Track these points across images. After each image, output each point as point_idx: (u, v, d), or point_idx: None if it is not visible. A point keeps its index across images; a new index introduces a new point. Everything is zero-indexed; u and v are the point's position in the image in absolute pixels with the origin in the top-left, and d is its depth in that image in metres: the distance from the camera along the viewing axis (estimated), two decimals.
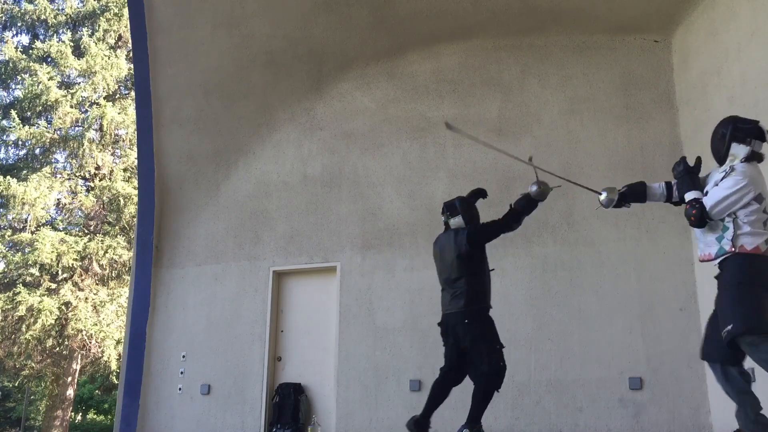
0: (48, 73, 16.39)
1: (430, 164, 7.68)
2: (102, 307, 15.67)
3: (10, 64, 16.80)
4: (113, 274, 16.12)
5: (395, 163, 7.82)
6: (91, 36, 16.88)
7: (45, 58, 16.95)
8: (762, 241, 3.39)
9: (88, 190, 17.07)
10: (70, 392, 16.76)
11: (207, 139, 8.40)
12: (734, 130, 3.60)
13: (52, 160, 17.10)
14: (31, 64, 16.57)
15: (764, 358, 3.24)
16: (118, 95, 17.35)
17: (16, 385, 19.89)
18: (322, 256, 7.77)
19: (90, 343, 15.62)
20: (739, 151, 3.57)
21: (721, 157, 3.66)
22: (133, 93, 14.60)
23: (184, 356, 8.01)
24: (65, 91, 16.56)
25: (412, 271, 7.42)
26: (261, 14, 7.67)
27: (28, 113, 16.55)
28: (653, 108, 7.16)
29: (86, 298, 15.64)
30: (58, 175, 16.88)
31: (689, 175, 3.68)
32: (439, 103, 7.82)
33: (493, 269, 4.63)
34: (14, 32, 17.51)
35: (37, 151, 16.76)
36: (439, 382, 4.58)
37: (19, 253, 15.87)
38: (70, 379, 16.57)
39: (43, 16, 17.08)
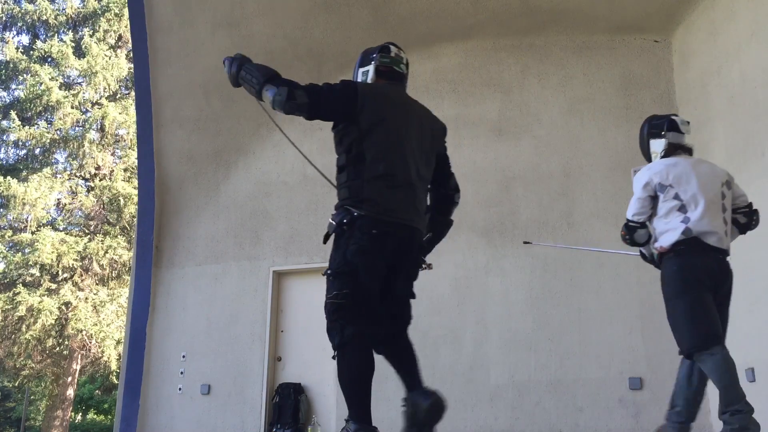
0: (49, 73, 16.40)
1: None
2: (102, 307, 15.67)
3: (11, 65, 16.81)
4: (113, 274, 16.12)
5: None
6: (92, 36, 16.89)
7: (46, 58, 16.96)
8: (678, 233, 3.32)
9: (88, 191, 17.07)
10: (70, 392, 16.76)
11: (207, 139, 8.40)
12: (650, 128, 3.65)
13: (53, 161, 17.11)
14: (32, 64, 16.58)
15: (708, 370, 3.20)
16: (119, 95, 17.36)
17: (16, 385, 19.89)
18: (322, 256, 7.74)
19: (90, 343, 15.63)
20: (657, 146, 3.59)
21: (648, 157, 3.67)
22: (133, 93, 14.60)
23: (184, 356, 8.01)
24: (66, 91, 16.57)
25: None
26: (261, 14, 7.67)
27: (29, 113, 16.57)
28: (653, 108, 7.14)
29: (86, 298, 15.65)
30: (59, 176, 16.88)
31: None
32: (439, 103, 7.80)
33: None
34: (15, 32, 17.53)
35: (38, 151, 16.76)
36: None
37: (20, 253, 15.87)
38: (70, 379, 16.57)
39: (43, 17, 17.08)
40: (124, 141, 17.14)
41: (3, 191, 15.50)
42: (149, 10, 7.76)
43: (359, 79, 3.10)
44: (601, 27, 7.33)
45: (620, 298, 6.72)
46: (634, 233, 3.50)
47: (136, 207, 9.52)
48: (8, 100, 17.21)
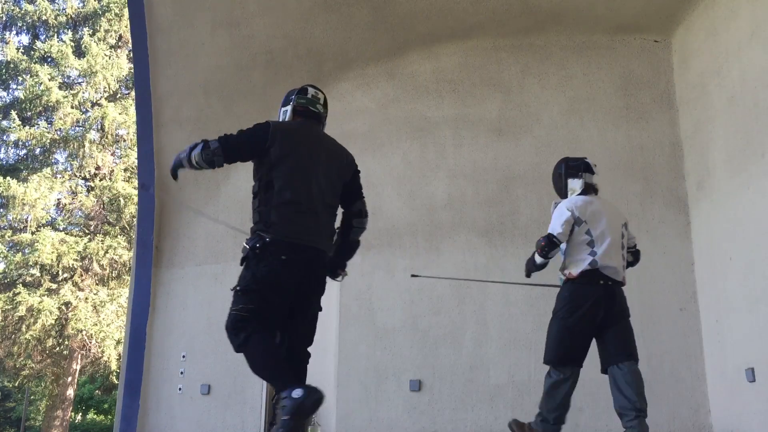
0: (49, 73, 16.41)
1: (430, 164, 7.68)
2: (102, 307, 15.68)
3: (11, 65, 16.82)
4: (113, 274, 16.14)
5: (395, 163, 7.81)
6: (92, 36, 16.90)
7: (46, 58, 16.97)
8: (585, 264, 3.79)
9: (88, 191, 17.09)
10: (70, 392, 16.78)
11: None
12: (567, 168, 4.08)
13: (53, 161, 17.12)
14: (32, 64, 16.59)
15: (545, 386, 3.84)
16: (119, 95, 17.37)
17: (16, 385, 19.91)
18: None
19: (90, 343, 15.65)
20: (574, 185, 4.03)
21: (563, 193, 4.11)
22: (133, 93, 14.61)
23: (184, 356, 8.00)
24: (66, 91, 16.58)
25: (412, 270, 7.40)
26: (261, 14, 7.67)
27: (29, 113, 16.58)
28: (653, 108, 7.16)
29: (86, 298, 15.66)
30: (59, 176, 16.90)
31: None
32: (439, 103, 7.81)
33: None
34: (15, 32, 17.55)
35: (38, 151, 16.79)
36: None
37: (20, 253, 15.89)
38: (70, 379, 16.59)
39: (43, 17, 17.09)
40: (124, 141, 17.15)
41: (3, 191, 15.51)
42: (149, 10, 7.76)
43: (280, 117, 3.48)
44: (601, 27, 7.32)
45: None
46: (552, 250, 3.93)
47: (136, 207, 9.52)
48: (8, 100, 17.23)
